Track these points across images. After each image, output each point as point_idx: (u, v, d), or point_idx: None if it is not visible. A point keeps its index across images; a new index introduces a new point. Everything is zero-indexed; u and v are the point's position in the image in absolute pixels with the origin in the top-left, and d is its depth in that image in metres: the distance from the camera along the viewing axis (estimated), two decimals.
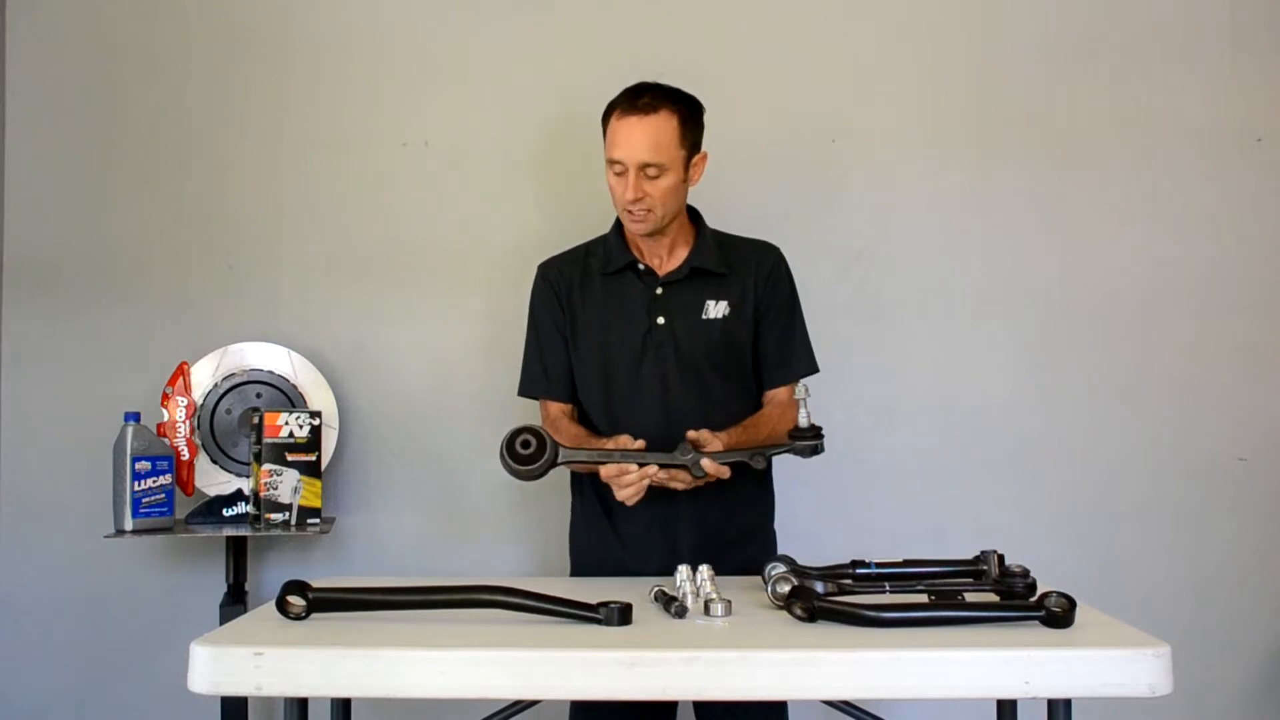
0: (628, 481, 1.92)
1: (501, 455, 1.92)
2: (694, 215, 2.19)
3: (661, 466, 1.93)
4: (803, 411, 1.92)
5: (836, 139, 2.68)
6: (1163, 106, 2.68)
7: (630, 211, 2.04)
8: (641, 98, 2.03)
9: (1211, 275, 2.68)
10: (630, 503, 1.94)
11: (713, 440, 1.93)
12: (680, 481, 1.94)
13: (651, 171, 2.01)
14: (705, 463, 1.91)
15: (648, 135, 2.00)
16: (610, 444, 1.98)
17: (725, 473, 1.93)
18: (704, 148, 2.11)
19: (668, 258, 2.15)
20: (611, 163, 2.04)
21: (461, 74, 2.68)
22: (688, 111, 2.06)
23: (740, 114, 2.55)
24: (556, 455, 1.92)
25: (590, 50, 2.67)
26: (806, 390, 1.92)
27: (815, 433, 1.92)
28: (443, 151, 2.68)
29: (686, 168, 2.07)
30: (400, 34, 2.68)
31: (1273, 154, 2.68)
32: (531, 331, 2.21)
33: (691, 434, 1.93)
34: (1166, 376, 2.66)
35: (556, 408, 2.18)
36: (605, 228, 2.22)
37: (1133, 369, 2.66)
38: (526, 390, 2.21)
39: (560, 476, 2.24)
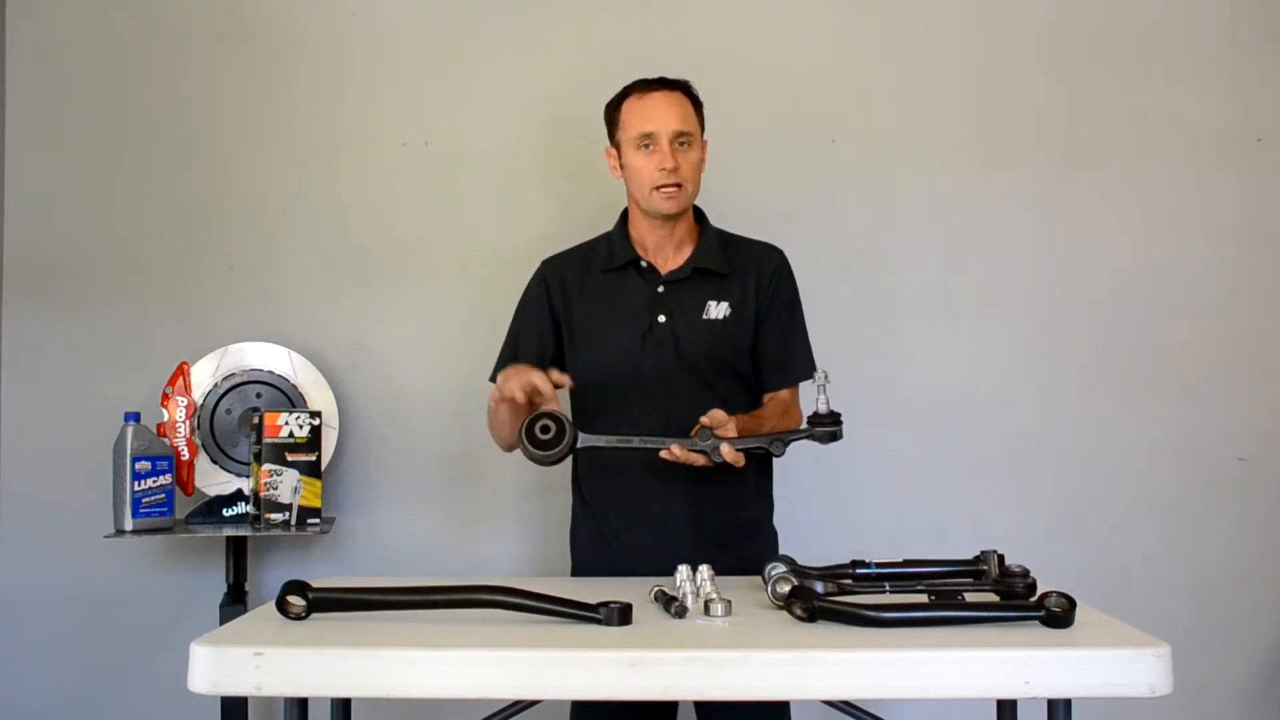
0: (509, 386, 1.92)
1: (520, 440, 1.93)
2: (698, 215, 2.19)
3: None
4: (821, 397, 1.92)
5: (836, 139, 2.69)
6: (1163, 106, 2.68)
7: (662, 187, 2.05)
8: (656, 81, 2.09)
9: (1211, 275, 2.68)
10: (509, 394, 1.92)
11: (727, 421, 1.93)
12: (690, 462, 1.93)
13: (684, 140, 2.05)
14: (724, 449, 1.90)
15: (675, 106, 2.06)
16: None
17: (741, 460, 1.92)
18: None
19: (672, 255, 2.15)
20: (641, 138, 2.05)
21: (461, 74, 2.68)
22: (695, 97, 2.13)
23: (740, 114, 2.55)
24: (576, 440, 1.93)
25: (590, 50, 2.67)
26: (826, 376, 1.92)
27: (834, 419, 1.93)
28: (443, 151, 2.68)
29: (701, 147, 2.11)
30: (400, 34, 2.69)
31: (1273, 154, 2.68)
32: (514, 321, 2.22)
33: (705, 419, 1.93)
34: (1166, 376, 2.67)
35: None
36: (606, 226, 2.21)
37: (1133, 369, 2.66)
38: (494, 375, 2.20)
39: (563, 476, 2.24)
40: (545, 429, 1.92)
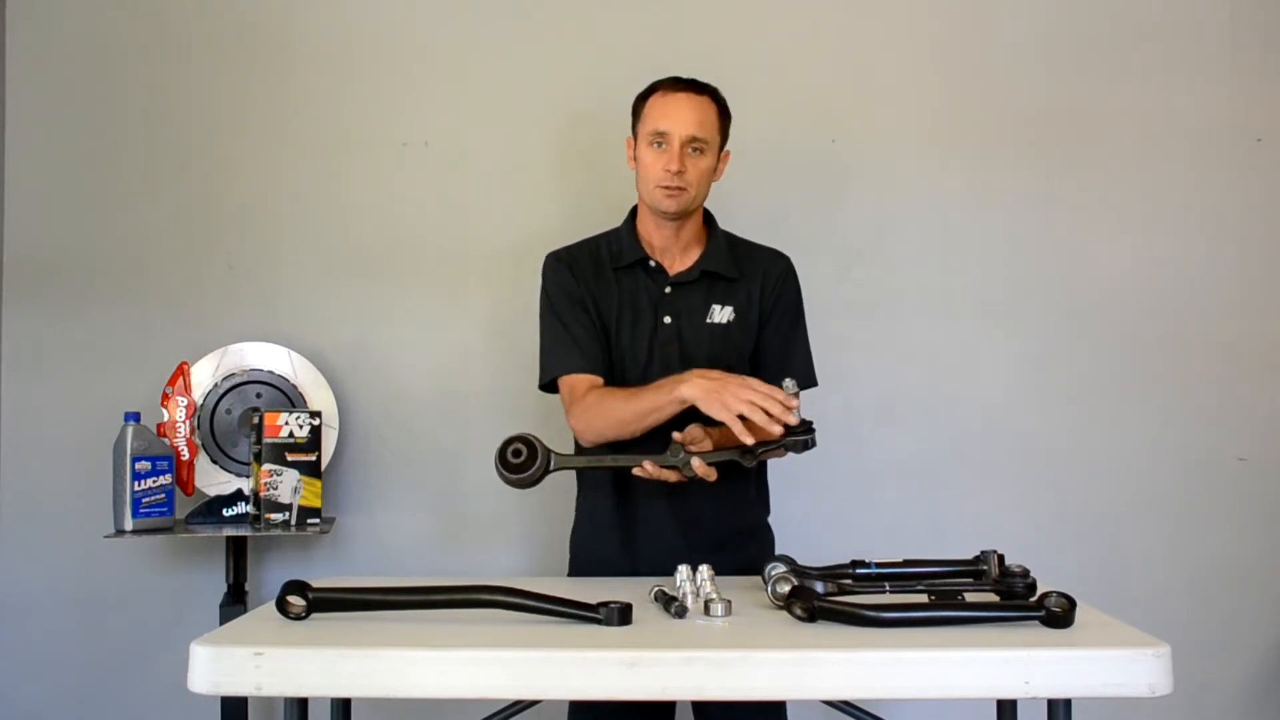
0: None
1: (495, 466, 1.92)
2: (707, 217, 2.19)
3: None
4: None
5: (836, 139, 2.69)
6: (1163, 106, 2.69)
7: (665, 186, 2.04)
8: (686, 81, 2.07)
9: (1211, 275, 2.68)
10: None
11: (703, 438, 1.93)
12: (664, 478, 1.93)
13: (695, 146, 2.03)
14: (695, 463, 1.90)
15: (695, 111, 2.04)
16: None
17: (712, 474, 1.91)
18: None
19: (680, 257, 2.14)
20: (655, 134, 2.04)
21: (461, 74, 2.68)
22: (724, 106, 2.11)
23: (740, 114, 2.53)
24: (549, 463, 1.92)
25: (590, 51, 2.67)
26: (795, 385, 1.90)
27: (806, 428, 1.91)
28: (443, 151, 2.68)
29: (718, 157, 2.10)
30: (400, 34, 2.69)
31: (1273, 154, 2.68)
32: (550, 314, 2.11)
33: (677, 435, 1.93)
34: (1166, 376, 2.67)
35: (587, 382, 2.05)
36: (606, 226, 2.21)
37: (1133, 369, 2.67)
38: (557, 369, 2.07)
39: (563, 477, 2.24)
40: (517, 453, 1.91)
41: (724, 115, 2.10)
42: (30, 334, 2.64)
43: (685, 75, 2.11)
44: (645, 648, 1.44)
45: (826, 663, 1.43)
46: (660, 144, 2.04)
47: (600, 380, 2.06)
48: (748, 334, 2.12)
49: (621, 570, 2.07)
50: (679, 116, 2.03)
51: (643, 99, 2.10)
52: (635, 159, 2.10)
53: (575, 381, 2.07)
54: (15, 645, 2.62)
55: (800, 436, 1.90)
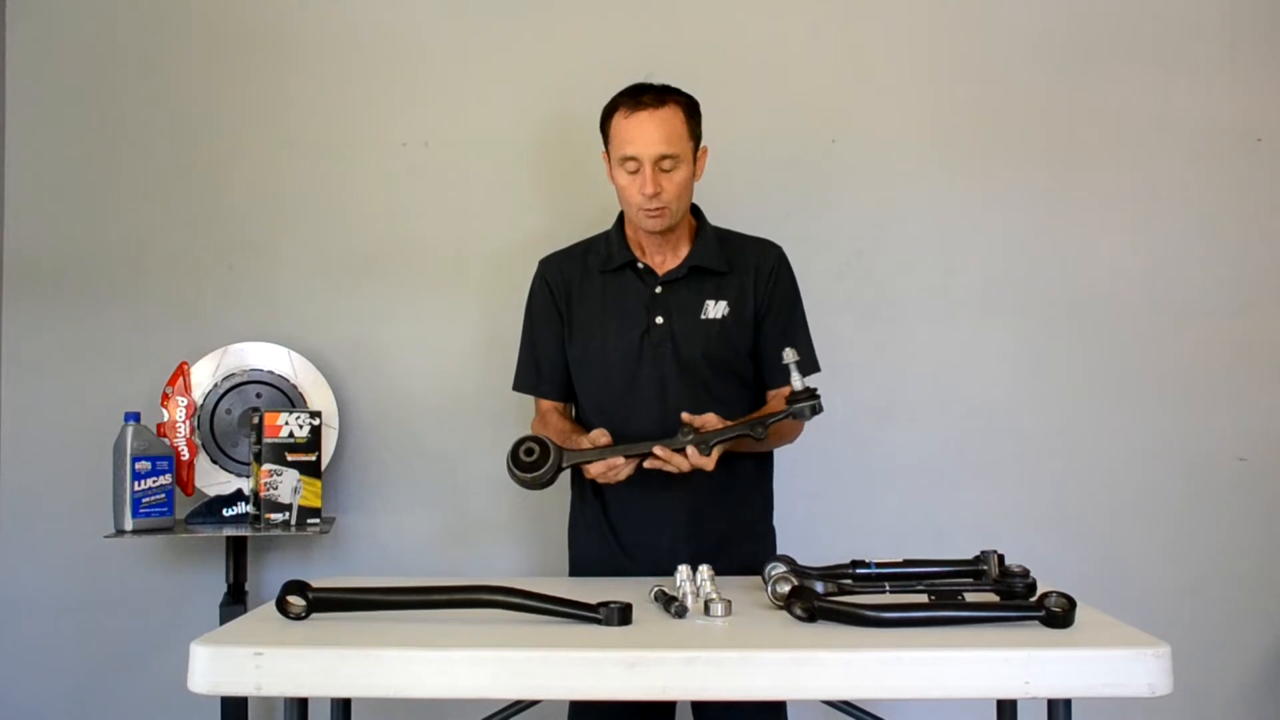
0: (615, 477, 1.96)
1: (508, 467, 1.93)
2: (695, 212, 2.18)
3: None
4: (795, 376, 1.91)
5: (836, 139, 2.68)
6: (1163, 106, 2.68)
7: (646, 209, 2.03)
8: (645, 94, 2.02)
9: (1211, 275, 2.68)
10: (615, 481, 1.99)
11: (717, 421, 1.93)
12: (676, 466, 1.92)
13: (667, 164, 2.00)
14: (696, 449, 1.90)
15: (660, 128, 2.00)
16: (586, 442, 1.99)
17: (710, 464, 1.92)
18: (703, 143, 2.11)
19: (670, 256, 2.14)
20: (625, 160, 2.01)
21: (461, 74, 2.69)
22: (689, 104, 2.07)
23: (740, 114, 2.55)
24: (561, 460, 1.93)
25: (589, 50, 2.67)
26: (795, 354, 1.91)
27: (810, 394, 1.92)
28: (443, 151, 2.68)
29: (694, 161, 2.07)
30: (400, 34, 2.68)
31: (1273, 154, 2.68)
32: (526, 327, 2.22)
33: (686, 416, 1.92)
34: (1166, 376, 2.66)
35: (548, 404, 2.20)
36: (605, 226, 2.21)
37: (1133, 369, 2.66)
38: (519, 385, 2.23)
39: (562, 476, 2.24)
40: (529, 451, 1.93)
41: (692, 116, 2.05)
42: (30, 334, 2.64)
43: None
44: (645, 648, 1.44)
45: (826, 663, 1.43)
46: (632, 169, 2.02)
47: (560, 405, 2.20)
48: (744, 328, 2.12)
49: (621, 570, 2.07)
50: (644, 138, 1.99)
51: (607, 117, 2.07)
52: (612, 177, 2.09)
53: (540, 401, 2.22)
54: (15, 645, 2.62)
55: (805, 402, 1.91)
